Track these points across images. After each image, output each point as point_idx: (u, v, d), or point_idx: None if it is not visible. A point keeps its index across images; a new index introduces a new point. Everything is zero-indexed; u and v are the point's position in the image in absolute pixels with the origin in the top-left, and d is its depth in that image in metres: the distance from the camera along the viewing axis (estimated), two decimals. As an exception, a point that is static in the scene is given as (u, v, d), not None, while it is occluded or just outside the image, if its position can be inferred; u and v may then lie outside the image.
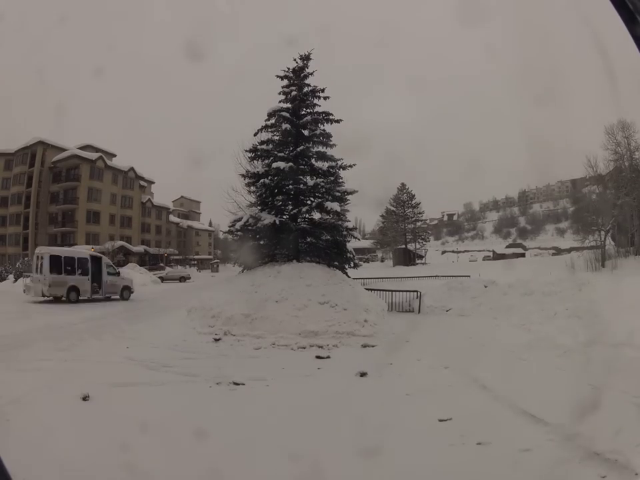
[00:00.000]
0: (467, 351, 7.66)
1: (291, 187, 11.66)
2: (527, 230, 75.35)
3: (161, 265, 34.51)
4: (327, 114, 12.05)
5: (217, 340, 8.77)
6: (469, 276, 16.84)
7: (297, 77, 12.17)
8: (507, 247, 58.12)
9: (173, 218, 45.58)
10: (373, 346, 8.34)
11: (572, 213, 53.86)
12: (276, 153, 11.89)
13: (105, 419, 4.44)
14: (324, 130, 12.07)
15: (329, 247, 11.93)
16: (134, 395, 5.31)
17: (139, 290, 18.58)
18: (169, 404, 5.07)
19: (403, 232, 44.23)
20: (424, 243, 46.41)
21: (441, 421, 4.34)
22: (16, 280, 23.62)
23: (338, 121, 12.04)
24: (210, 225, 50.74)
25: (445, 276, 18.47)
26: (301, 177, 11.64)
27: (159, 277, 28.50)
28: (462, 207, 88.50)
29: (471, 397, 5.16)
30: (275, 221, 11.22)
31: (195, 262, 45.12)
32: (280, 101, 12.20)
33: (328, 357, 7.58)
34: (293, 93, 12.05)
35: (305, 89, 12.13)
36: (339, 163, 11.98)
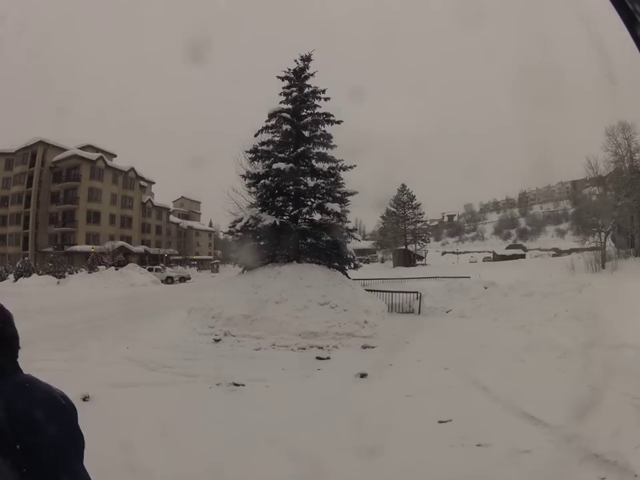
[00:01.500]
0: (467, 352, 7.65)
1: (291, 187, 11.67)
2: (527, 231, 75.46)
3: (161, 265, 34.46)
4: (328, 115, 12.06)
5: (216, 340, 8.77)
6: (469, 277, 16.83)
7: (297, 77, 12.18)
8: (507, 248, 58.07)
9: (173, 218, 45.66)
10: (373, 347, 8.33)
11: (572, 214, 53.91)
12: (276, 153, 11.90)
13: (105, 419, 4.44)
14: (324, 131, 12.08)
15: (329, 248, 11.92)
16: (134, 395, 5.31)
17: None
18: (168, 404, 5.07)
19: (403, 233, 44.29)
20: (424, 243, 46.48)
21: (440, 422, 4.34)
22: (16, 280, 23.65)
23: (339, 122, 12.05)
24: (210, 225, 50.83)
25: (445, 277, 18.46)
26: (302, 178, 11.64)
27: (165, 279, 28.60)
28: (462, 207, 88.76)
29: (471, 398, 5.15)
30: (275, 221, 11.22)
31: (195, 262, 45.15)
32: (280, 102, 12.22)
33: (328, 358, 7.58)
34: (294, 94, 12.06)
35: (306, 90, 12.14)
36: (340, 164, 11.98)
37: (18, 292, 19.00)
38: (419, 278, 20.36)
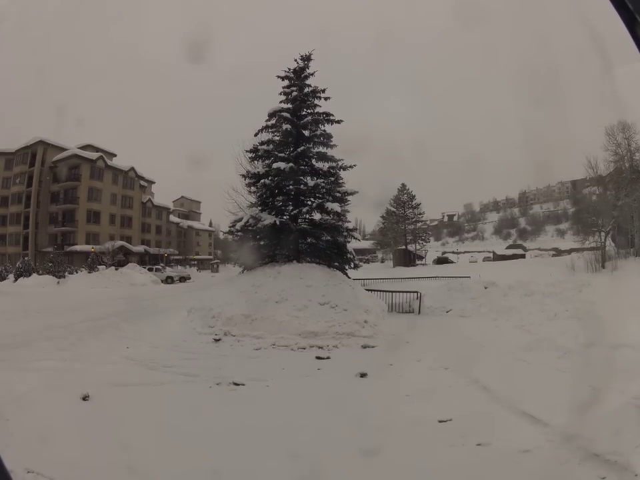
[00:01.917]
0: (467, 352, 7.65)
1: (291, 187, 11.67)
2: (527, 231, 75.34)
3: (161, 264, 34.43)
4: (328, 114, 12.05)
5: (216, 340, 8.77)
6: (469, 277, 16.82)
7: (297, 77, 12.18)
8: (507, 247, 57.98)
9: (173, 218, 45.59)
10: (373, 347, 8.34)
11: (572, 214, 53.87)
12: (276, 153, 11.89)
13: (105, 419, 4.45)
14: (324, 130, 12.07)
15: (329, 248, 11.92)
16: (134, 395, 5.31)
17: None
18: (168, 404, 5.07)
19: (403, 233, 44.22)
20: (424, 243, 46.40)
21: (440, 421, 4.34)
22: (16, 280, 23.64)
23: (338, 122, 12.04)
24: (210, 225, 50.74)
25: (445, 277, 18.46)
26: (302, 178, 11.63)
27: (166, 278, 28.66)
28: (462, 207, 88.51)
29: (471, 398, 5.16)
30: (275, 221, 11.22)
31: (195, 262, 45.12)
32: (280, 102, 12.21)
33: (328, 358, 7.58)
34: (294, 94, 12.06)
35: (306, 90, 12.14)
36: (340, 163, 11.97)
37: (18, 292, 19.03)
38: (418, 278, 20.36)
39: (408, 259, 40.69)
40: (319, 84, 12.14)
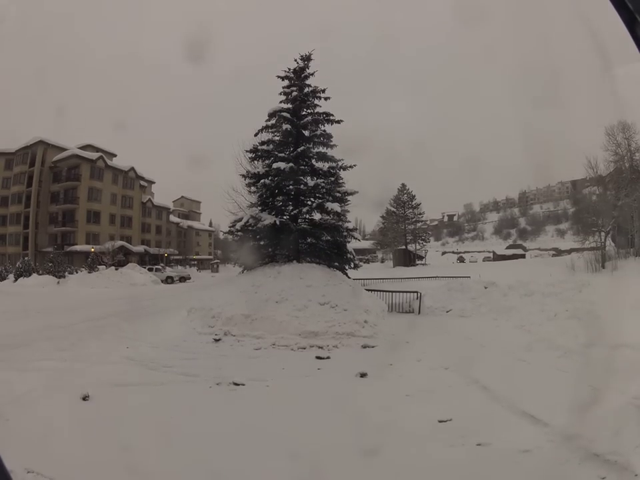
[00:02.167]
0: (467, 352, 7.65)
1: (291, 187, 11.67)
2: (527, 231, 75.32)
3: (161, 264, 34.42)
4: (328, 114, 12.06)
5: (217, 340, 8.77)
6: (469, 277, 16.82)
7: (297, 77, 12.18)
8: (507, 247, 57.97)
9: (173, 218, 45.57)
10: (372, 347, 8.34)
11: (572, 214, 53.85)
12: (276, 153, 11.90)
13: (105, 419, 4.45)
14: (324, 130, 12.07)
15: (329, 248, 11.93)
16: (134, 395, 5.31)
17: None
18: (168, 404, 5.07)
19: (403, 233, 44.21)
20: (424, 243, 46.39)
21: (440, 421, 4.34)
22: (16, 280, 23.65)
23: (339, 122, 12.04)
24: (210, 225, 50.73)
25: (445, 277, 18.45)
26: (302, 178, 11.64)
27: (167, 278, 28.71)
28: (462, 207, 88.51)
29: (471, 398, 5.16)
30: (275, 221, 11.23)
31: (195, 262, 45.12)
32: (280, 102, 12.21)
33: (328, 358, 7.58)
34: (294, 94, 12.06)
35: (306, 90, 12.14)
36: (340, 163, 11.98)
37: (18, 292, 19.04)
38: (418, 278, 20.35)
39: (408, 258, 40.67)
40: (319, 84, 12.17)
